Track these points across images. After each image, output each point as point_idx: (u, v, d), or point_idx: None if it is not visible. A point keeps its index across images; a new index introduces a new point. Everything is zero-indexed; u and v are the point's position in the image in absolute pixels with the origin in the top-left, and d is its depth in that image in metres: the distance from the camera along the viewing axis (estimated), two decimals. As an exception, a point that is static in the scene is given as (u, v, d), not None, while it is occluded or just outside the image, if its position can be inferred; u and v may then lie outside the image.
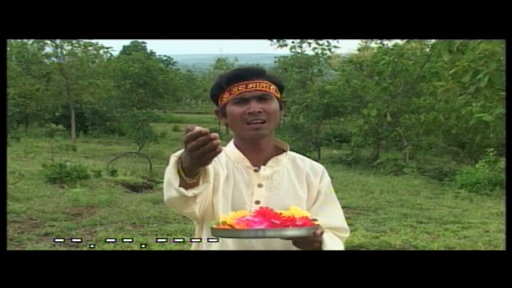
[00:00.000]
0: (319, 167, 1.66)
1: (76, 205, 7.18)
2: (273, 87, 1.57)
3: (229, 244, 1.51)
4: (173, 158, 1.33)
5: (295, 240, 1.38)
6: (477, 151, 13.51)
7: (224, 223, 1.35)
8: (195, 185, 1.34)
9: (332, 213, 1.62)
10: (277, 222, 1.32)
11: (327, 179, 1.65)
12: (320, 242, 1.41)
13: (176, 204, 1.39)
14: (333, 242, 1.52)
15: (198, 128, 1.19)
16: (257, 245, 1.52)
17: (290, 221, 1.33)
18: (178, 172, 1.32)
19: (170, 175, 1.33)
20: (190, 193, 1.34)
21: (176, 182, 1.32)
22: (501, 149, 11.07)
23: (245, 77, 1.55)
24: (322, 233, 1.38)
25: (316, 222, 1.38)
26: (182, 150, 1.30)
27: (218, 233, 1.35)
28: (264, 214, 1.34)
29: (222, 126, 24.97)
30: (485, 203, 8.60)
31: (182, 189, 1.32)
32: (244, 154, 1.58)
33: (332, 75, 22.59)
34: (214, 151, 1.22)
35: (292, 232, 1.32)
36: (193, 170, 1.31)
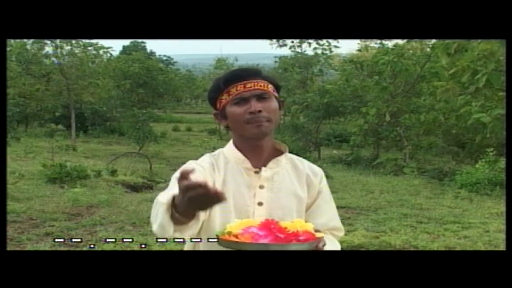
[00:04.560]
0: (318, 169, 1.69)
1: (76, 205, 7.18)
2: (270, 86, 1.58)
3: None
4: (164, 205, 1.26)
5: None
6: (477, 151, 13.49)
7: (229, 233, 1.37)
8: (190, 220, 1.30)
9: (331, 213, 1.67)
10: (281, 236, 1.37)
11: (325, 180, 1.70)
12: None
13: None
14: (332, 248, 1.56)
15: (195, 181, 1.12)
16: None
17: (294, 236, 1.38)
18: (172, 215, 1.27)
19: (163, 220, 1.27)
20: (186, 235, 1.33)
21: (170, 228, 1.28)
22: (501, 149, 11.06)
23: (243, 77, 1.55)
24: (324, 245, 1.40)
25: (318, 235, 1.40)
26: (170, 194, 1.26)
27: (223, 244, 1.38)
28: (270, 227, 1.39)
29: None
30: (485, 203, 8.59)
31: (177, 234, 1.30)
32: (245, 155, 1.58)
33: (333, 75, 22.61)
34: (217, 201, 1.16)
35: (295, 247, 1.37)
36: (190, 212, 1.26)
